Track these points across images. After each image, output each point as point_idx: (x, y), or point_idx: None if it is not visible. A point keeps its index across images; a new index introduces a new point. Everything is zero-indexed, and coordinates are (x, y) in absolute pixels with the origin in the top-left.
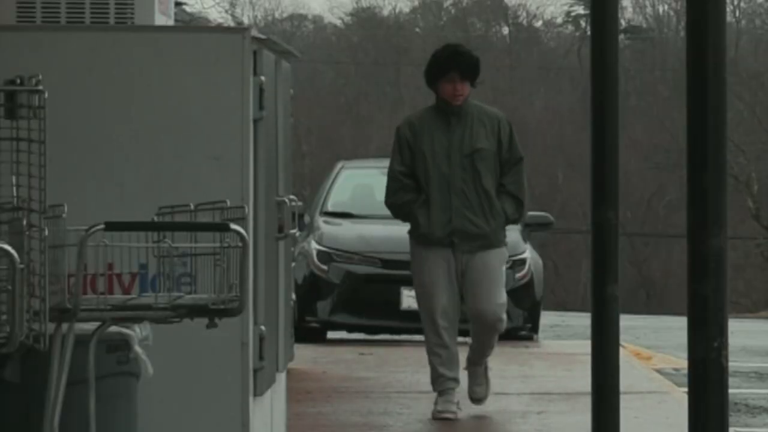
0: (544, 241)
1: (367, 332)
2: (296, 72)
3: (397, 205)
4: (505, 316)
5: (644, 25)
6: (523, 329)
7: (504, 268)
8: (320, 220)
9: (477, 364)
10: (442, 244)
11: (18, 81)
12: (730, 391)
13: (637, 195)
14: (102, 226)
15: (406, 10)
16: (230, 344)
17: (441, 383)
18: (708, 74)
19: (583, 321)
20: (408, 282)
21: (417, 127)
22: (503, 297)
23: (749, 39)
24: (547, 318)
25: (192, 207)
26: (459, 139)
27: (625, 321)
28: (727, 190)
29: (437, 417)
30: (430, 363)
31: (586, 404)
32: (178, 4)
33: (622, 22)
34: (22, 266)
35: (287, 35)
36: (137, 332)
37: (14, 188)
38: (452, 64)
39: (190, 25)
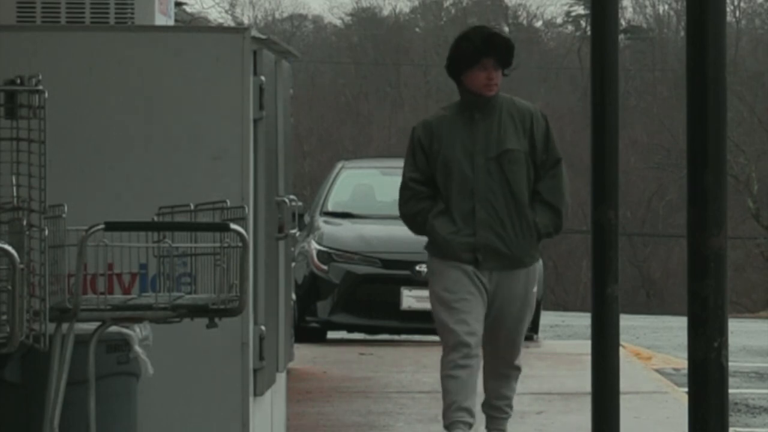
0: (544, 241)
1: (367, 332)
2: (296, 72)
3: (410, 216)
4: (518, 361)
5: (644, 25)
6: None
7: (535, 290)
8: (320, 220)
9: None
10: (463, 260)
11: (18, 81)
12: (730, 391)
13: (637, 195)
14: (102, 226)
15: (406, 10)
16: (230, 344)
17: (451, 414)
18: (708, 74)
19: (583, 321)
20: (408, 282)
21: (434, 127)
22: (522, 334)
23: (749, 39)
24: (547, 318)
25: (192, 207)
26: (484, 138)
27: (625, 321)
28: (727, 190)
29: None
30: (444, 388)
31: (586, 404)
32: (178, 4)
33: (622, 22)
34: (22, 266)
35: (287, 35)
36: (137, 332)
37: (14, 188)
38: (488, 48)
39: (190, 25)
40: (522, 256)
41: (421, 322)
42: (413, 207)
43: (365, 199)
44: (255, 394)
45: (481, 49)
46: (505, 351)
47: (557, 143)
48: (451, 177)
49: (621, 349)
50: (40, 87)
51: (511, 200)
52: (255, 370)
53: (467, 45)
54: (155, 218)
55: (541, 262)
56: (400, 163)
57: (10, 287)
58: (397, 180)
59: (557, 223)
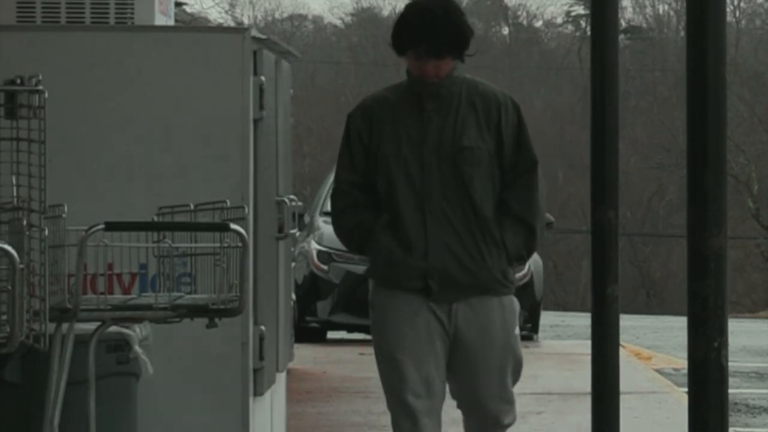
0: (544, 241)
1: (367, 332)
2: (296, 72)
3: (347, 230)
4: (512, 407)
5: (644, 25)
6: (523, 329)
7: (517, 331)
8: (320, 220)
9: None
10: (414, 290)
11: (18, 81)
12: (730, 391)
13: (637, 195)
14: (102, 226)
15: None
16: (230, 344)
17: None
18: (708, 74)
19: (583, 321)
20: None
21: (376, 115)
22: (509, 379)
23: (749, 39)
24: (547, 318)
25: (192, 207)
26: (437, 132)
27: (625, 321)
28: (727, 190)
29: None
30: None
31: (586, 404)
32: (178, 4)
33: (622, 22)
34: (22, 266)
35: (287, 35)
36: (137, 332)
37: (14, 188)
38: (415, 35)
39: (190, 25)
40: (489, 282)
41: None
42: (351, 219)
43: None
44: (255, 394)
45: (408, 34)
46: (486, 408)
47: (532, 141)
48: (394, 180)
49: (621, 349)
50: (40, 87)
51: (470, 212)
52: (255, 370)
53: (395, 29)
54: (155, 218)
55: (541, 263)
56: None
57: (10, 287)
58: None
59: (530, 245)
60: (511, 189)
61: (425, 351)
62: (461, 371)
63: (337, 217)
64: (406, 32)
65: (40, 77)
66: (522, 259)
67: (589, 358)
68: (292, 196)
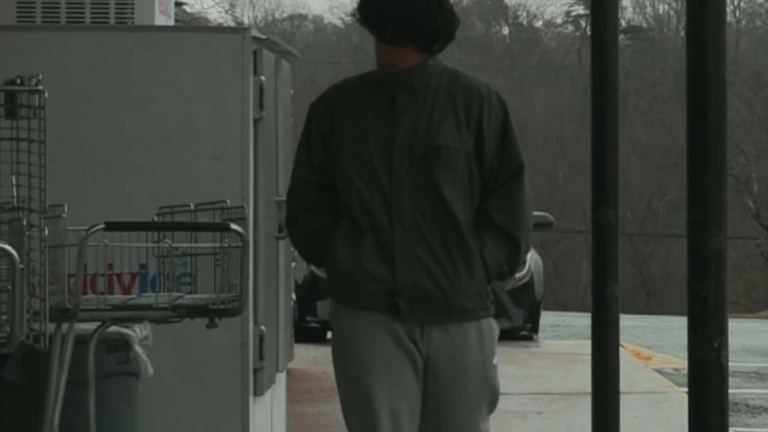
0: (544, 241)
1: None
2: (296, 72)
3: (301, 235)
4: None
5: (644, 25)
6: (523, 329)
7: (495, 360)
8: None
9: None
10: (379, 309)
11: (18, 81)
12: (730, 391)
13: (637, 195)
14: (102, 226)
15: None
16: (230, 344)
17: None
18: (708, 74)
19: (583, 321)
20: None
21: (339, 106)
22: (483, 416)
23: (749, 39)
24: (547, 318)
25: (192, 207)
26: (409, 129)
27: (625, 321)
28: (727, 190)
29: None
30: None
31: (586, 404)
32: (178, 4)
33: (622, 22)
34: (22, 266)
35: (287, 35)
36: (137, 332)
37: (14, 188)
38: (371, 19)
39: (190, 25)
40: (465, 304)
41: None
42: (307, 224)
43: None
44: (255, 394)
45: (360, 18)
46: None
47: (519, 142)
48: (357, 184)
49: (621, 349)
50: (40, 87)
51: (445, 221)
52: (255, 370)
53: (356, 9)
54: (155, 218)
55: (541, 263)
56: None
57: (10, 287)
58: None
59: (513, 260)
60: (493, 197)
61: (396, 380)
62: (430, 405)
63: (290, 222)
64: (364, 15)
65: (40, 77)
66: (504, 276)
67: (589, 358)
68: None
